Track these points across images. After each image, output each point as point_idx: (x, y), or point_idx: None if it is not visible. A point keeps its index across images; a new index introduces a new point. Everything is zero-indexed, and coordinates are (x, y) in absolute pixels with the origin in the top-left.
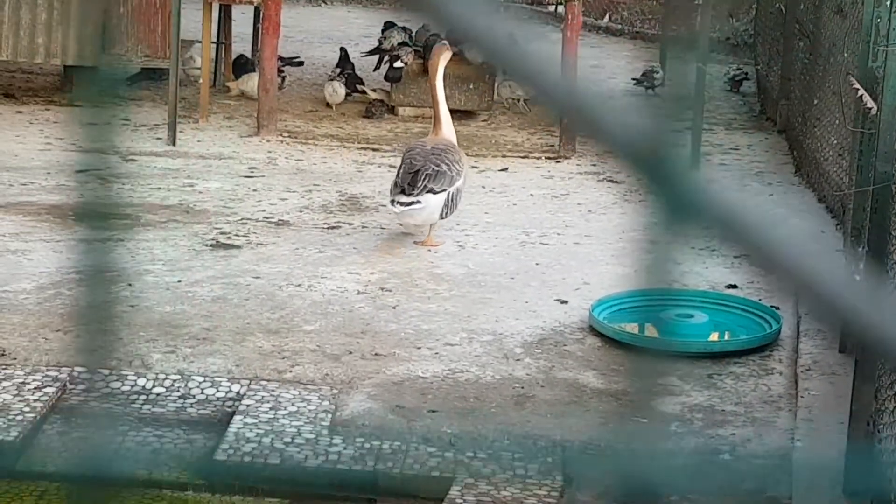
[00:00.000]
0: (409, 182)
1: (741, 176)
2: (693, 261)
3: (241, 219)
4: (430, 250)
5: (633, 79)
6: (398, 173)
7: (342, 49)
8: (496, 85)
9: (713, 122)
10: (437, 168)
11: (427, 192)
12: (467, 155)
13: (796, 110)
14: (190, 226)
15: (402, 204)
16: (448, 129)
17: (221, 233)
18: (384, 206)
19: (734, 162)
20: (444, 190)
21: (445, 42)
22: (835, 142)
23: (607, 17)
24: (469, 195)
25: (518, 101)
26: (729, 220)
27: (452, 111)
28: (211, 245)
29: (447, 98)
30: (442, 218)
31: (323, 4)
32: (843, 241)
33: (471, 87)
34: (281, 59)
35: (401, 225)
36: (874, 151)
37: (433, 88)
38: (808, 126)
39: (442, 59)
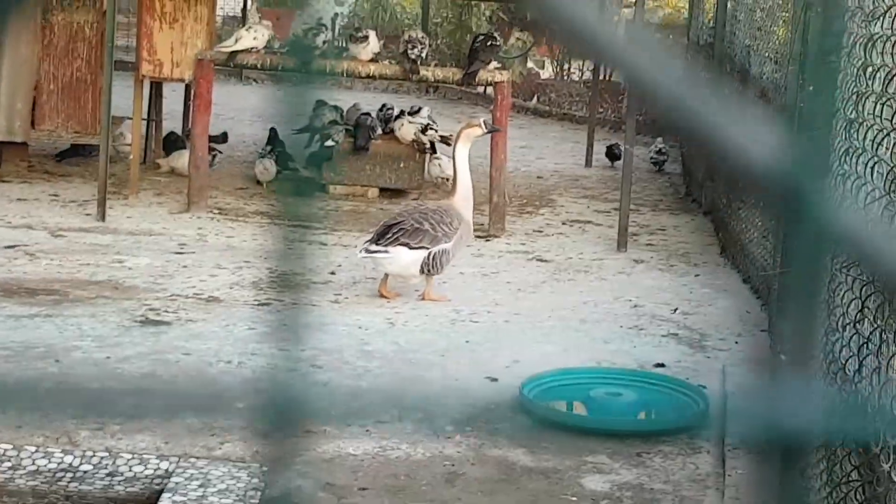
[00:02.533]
0: (381, 232)
1: (667, 256)
2: (621, 339)
3: (171, 295)
4: (436, 302)
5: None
6: None
7: (272, 129)
8: (426, 163)
9: (640, 203)
10: (416, 225)
11: (399, 244)
12: None
13: (721, 192)
14: (119, 302)
15: (367, 251)
16: (461, 195)
17: (151, 309)
18: (315, 282)
19: (660, 242)
20: (423, 247)
21: (484, 122)
22: (759, 223)
23: (535, 98)
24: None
25: (447, 179)
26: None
27: (382, 189)
28: (140, 321)
29: (377, 176)
30: (426, 274)
31: (254, 83)
32: (769, 321)
33: (401, 165)
34: (210, 138)
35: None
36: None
37: (455, 154)
38: (732, 207)
39: (471, 132)
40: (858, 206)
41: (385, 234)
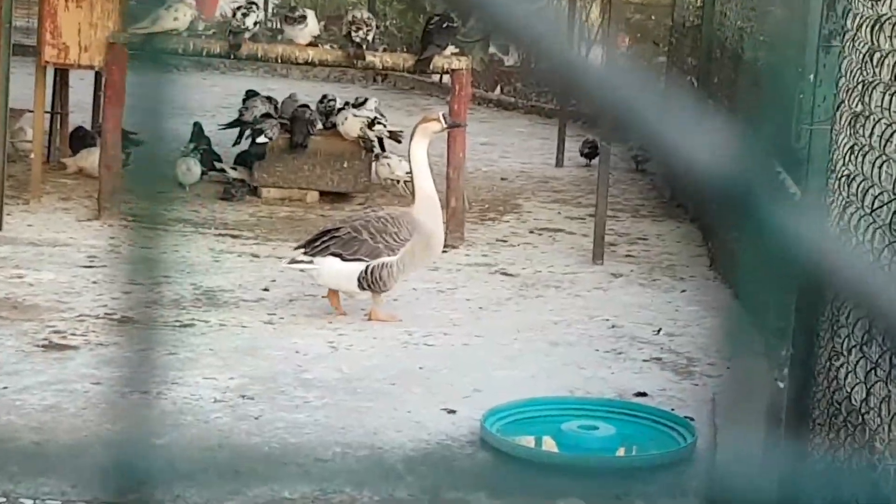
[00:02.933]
0: (311, 240)
1: (649, 269)
2: (597, 365)
3: (79, 315)
4: (384, 322)
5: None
6: None
7: (196, 124)
8: (374, 163)
9: (618, 209)
10: (353, 234)
11: (330, 255)
12: None
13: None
14: (18, 323)
15: (292, 261)
16: (422, 203)
17: (55, 331)
18: (245, 300)
19: (642, 253)
20: (359, 259)
21: (443, 116)
22: None
23: (499, 88)
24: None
25: (398, 181)
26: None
27: (323, 193)
28: (43, 346)
29: (317, 178)
30: (366, 290)
31: (175, 70)
32: (764, 342)
33: (344, 165)
34: (124, 133)
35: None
36: None
37: (412, 154)
38: (723, 214)
39: (429, 127)
40: (805, 213)
41: (314, 242)
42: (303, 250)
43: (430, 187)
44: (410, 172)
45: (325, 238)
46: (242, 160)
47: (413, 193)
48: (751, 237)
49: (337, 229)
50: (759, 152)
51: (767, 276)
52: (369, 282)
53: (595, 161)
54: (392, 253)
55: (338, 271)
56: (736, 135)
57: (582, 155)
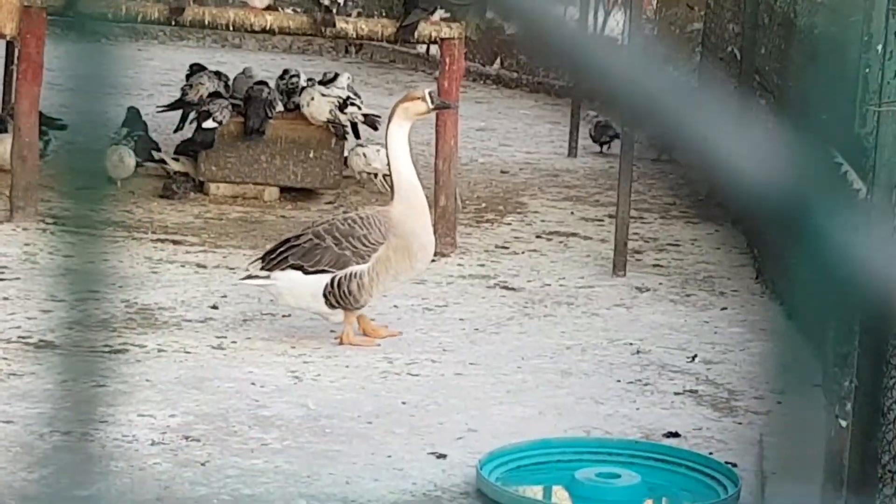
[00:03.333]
0: (270, 250)
1: (682, 282)
2: (619, 399)
3: None
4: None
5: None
6: None
7: (130, 108)
8: (346, 154)
9: (644, 208)
10: (315, 241)
11: (290, 267)
12: None
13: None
14: None
15: (247, 276)
16: (403, 202)
17: None
18: (189, 320)
19: (673, 262)
20: (323, 271)
21: (430, 94)
22: None
23: (498, 61)
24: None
25: (375, 175)
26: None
27: (284, 189)
28: None
29: (277, 171)
30: (335, 307)
31: (104, 39)
32: (823, 372)
33: (310, 155)
34: (42, 116)
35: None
36: None
37: (388, 140)
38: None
39: (411, 108)
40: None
41: (271, 254)
42: (260, 263)
43: (413, 181)
44: (388, 163)
45: (282, 248)
46: (185, 149)
47: (391, 188)
48: (806, 255)
49: (297, 237)
50: (816, 154)
51: (825, 299)
52: (337, 297)
53: (610, 149)
54: (361, 260)
55: (300, 286)
56: (786, 135)
57: (594, 141)
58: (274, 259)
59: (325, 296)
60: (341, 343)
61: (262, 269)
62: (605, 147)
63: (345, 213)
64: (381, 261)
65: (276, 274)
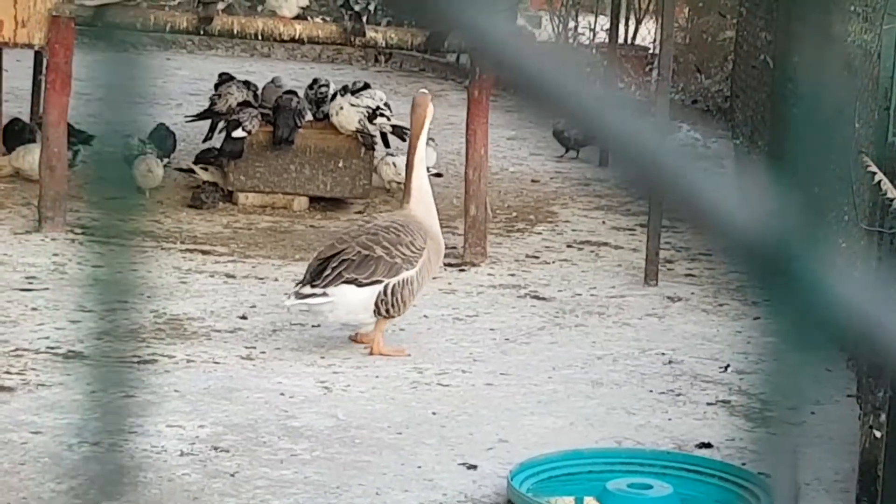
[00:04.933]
0: (315, 270)
1: (714, 292)
2: (651, 410)
3: (15, 349)
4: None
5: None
6: None
7: (160, 126)
8: (376, 163)
9: (675, 217)
10: (365, 252)
11: (344, 282)
12: None
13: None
14: None
15: (299, 296)
16: (420, 203)
17: None
18: (218, 331)
19: (705, 272)
20: (377, 281)
21: (426, 91)
22: (843, 244)
23: None
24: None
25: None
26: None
27: (314, 199)
28: None
29: (306, 181)
30: (382, 317)
31: (133, 49)
32: (857, 382)
33: (339, 165)
34: (70, 128)
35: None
36: None
37: (413, 150)
38: (828, 228)
39: (428, 114)
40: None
41: (322, 271)
42: (307, 283)
43: (425, 182)
44: (406, 167)
45: (334, 264)
46: (205, 157)
47: (407, 192)
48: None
49: (343, 250)
50: (803, 209)
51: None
52: (389, 305)
53: (578, 155)
54: (411, 266)
55: (356, 301)
56: (778, 189)
57: (562, 140)
58: (329, 276)
59: (376, 305)
60: (371, 353)
61: (312, 286)
62: (569, 153)
63: (366, 221)
64: (425, 265)
65: (331, 290)
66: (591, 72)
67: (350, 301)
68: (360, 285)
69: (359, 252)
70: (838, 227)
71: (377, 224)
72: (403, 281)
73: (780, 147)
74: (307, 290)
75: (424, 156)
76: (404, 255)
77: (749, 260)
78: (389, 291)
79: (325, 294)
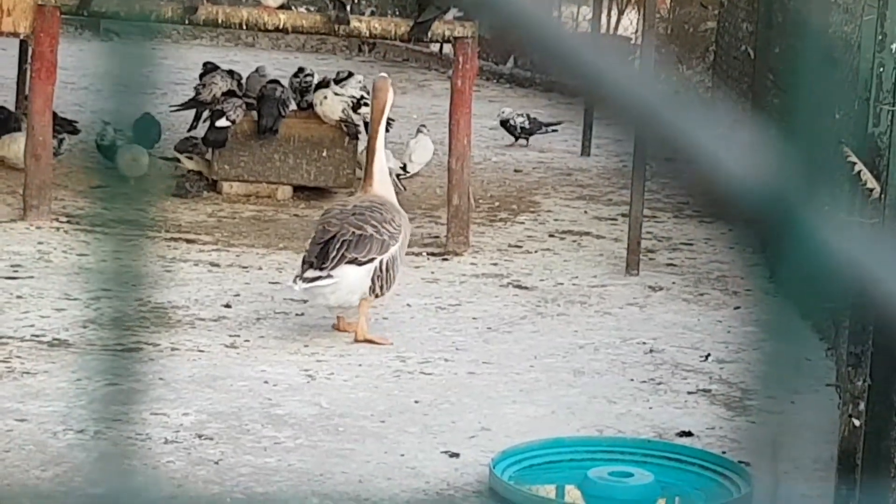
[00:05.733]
0: (318, 253)
1: (695, 281)
2: (632, 398)
3: (0, 337)
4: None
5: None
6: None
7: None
8: (359, 152)
9: (657, 207)
10: (358, 231)
11: (346, 262)
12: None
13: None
14: None
15: (306, 280)
16: (382, 185)
17: None
18: (202, 319)
19: (686, 261)
20: (372, 259)
21: (385, 75)
22: None
23: (512, 60)
24: (323, 306)
25: (390, 174)
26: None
27: (297, 188)
28: None
29: (290, 170)
30: (374, 295)
31: (115, 38)
32: (837, 372)
33: (323, 154)
34: (55, 116)
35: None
36: None
37: (374, 134)
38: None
39: (389, 98)
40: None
41: (327, 254)
42: (313, 266)
43: (385, 163)
44: (367, 151)
45: (337, 245)
46: (184, 147)
47: (368, 174)
48: (794, 250)
49: (338, 233)
50: (798, 165)
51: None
52: (383, 281)
53: (528, 143)
54: (395, 242)
55: (356, 280)
56: (772, 144)
57: (509, 129)
58: (334, 258)
59: (372, 282)
60: (357, 341)
61: (319, 269)
62: (519, 141)
63: (342, 204)
64: (403, 241)
65: (337, 271)
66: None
67: (351, 280)
68: (360, 264)
69: (353, 232)
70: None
71: (357, 205)
72: (393, 257)
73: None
74: (312, 273)
75: (384, 138)
76: (390, 232)
77: (749, 216)
78: (384, 268)
79: (331, 276)
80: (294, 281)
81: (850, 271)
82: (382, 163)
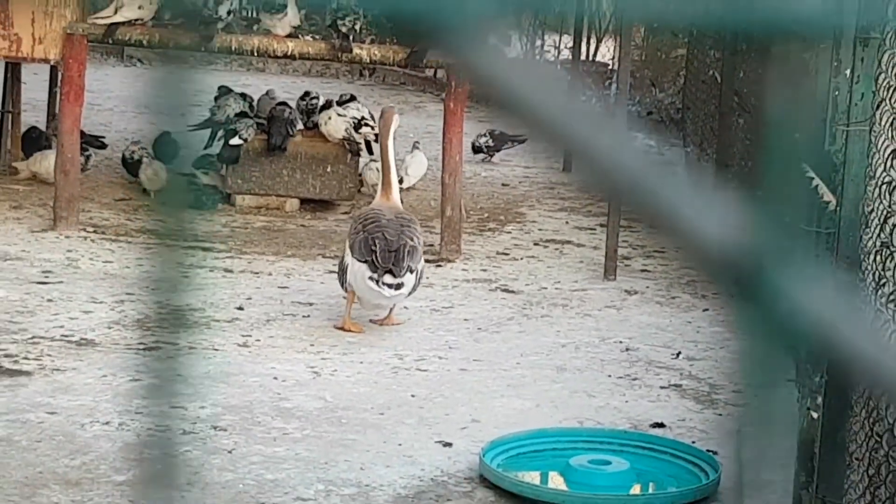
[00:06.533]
0: (394, 261)
1: (667, 285)
2: (610, 392)
3: (32, 337)
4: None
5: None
6: (367, 248)
7: (165, 132)
8: (360, 168)
9: (633, 218)
10: (411, 242)
11: (408, 271)
12: (323, 257)
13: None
14: None
15: (389, 286)
16: (397, 193)
17: (6, 355)
18: (217, 320)
19: (659, 268)
20: (417, 267)
21: (393, 106)
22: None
23: None
24: (327, 308)
25: None
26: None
27: (304, 201)
28: None
29: (297, 184)
30: (410, 294)
31: (138, 64)
32: (796, 368)
33: (328, 170)
34: (83, 135)
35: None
36: (833, 255)
37: (384, 150)
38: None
39: (393, 122)
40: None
41: (400, 262)
42: (390, 273)
43: (397, 181)
44: (381, 166)
45: (403, 255)
46: (201, 164)
47: (387, 185)
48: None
49: (404, 244)
50: (775, 226)
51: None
52: (418, 284)
53: (496, 156)
54: (421, 250)
55: (411, 285)
56: (748, 206)
57: (476, 150)
58: (403, 268)
59: (413, 287)
60: (385, 323)
61: (396, 276)
62: (491, 155)
63: (375, 214)
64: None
65: (405, 278)
66: (559, 85)
67: (409, 285)
68: (412, 271)
69: (409, 244)
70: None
71: (399, 217)
72: (424, 264)
73: (727, 155)
74: (394, 280)
75: (394, 154)
76: (421, 242)
77: (717, 269)
78: (420, 273)
79: (403, 283)
80: (378, 285)
81: (814, 328)
82: (395, 174)
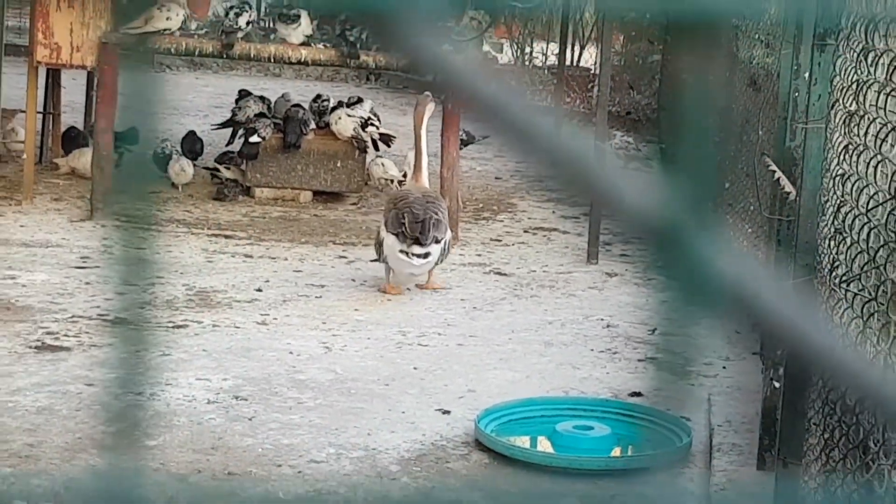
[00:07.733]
0: (421, 231)
1: (643, 268)
2: (592, 365)
3: (72, 316)
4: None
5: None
6: (398, 222)
7: (191, 132)
8: (367, 163)
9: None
10: (436, 216)
11: (434, 241)
12: (334, 244)
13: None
14: (11, 325)
15: (418, 256)
16: (427, 177)
17: (48, 333)
18: (238, 301)
19: (637, 253)
20: (443, 238)
21: (429, 94)
22: (749, 230)
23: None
24: (337, 289)
25: (392, 181)
26: (741, 298)
27: (316, 193)
28: (35, 347)
29: (310, 178)
30: (436, 265)
31: (168, 70)
32: (761, 342)
33: (338, 164)
34: (116, 134)
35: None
36: (794, 241)
37: (417, 137)
38: (719, 212)
39: (427, 111)
40: (738, 254)
41: (426, 233)
42: (417, 243)
43: (427, 164)
44: (415, 151)
45: (430, 227)
46: (222, 159)
47: (419, 167)
48: (677, 273)
49: (429, 216)
50: (687, 196)
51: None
52: (445, 255)
53: (472, 147)
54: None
55: (438, 254)
56: (667, 178)
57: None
58: (429, 237)
59: (439, 257)
60: (427, 287)
61: (423, 245)
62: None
63: (406, 193)
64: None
65: (431, 248)
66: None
67: (435, 254)
68: (438, 242)
69: (434, 217)
70: (746, 215)
71: (426, 195)
72: (450, 237)
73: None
74: (421, 249)
75: (426, 141)
76: (447, 216)
77: (649, 237)
78: (446, 245)
79: (430, 252)
80: (407, 255)
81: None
82: (426, 159)
